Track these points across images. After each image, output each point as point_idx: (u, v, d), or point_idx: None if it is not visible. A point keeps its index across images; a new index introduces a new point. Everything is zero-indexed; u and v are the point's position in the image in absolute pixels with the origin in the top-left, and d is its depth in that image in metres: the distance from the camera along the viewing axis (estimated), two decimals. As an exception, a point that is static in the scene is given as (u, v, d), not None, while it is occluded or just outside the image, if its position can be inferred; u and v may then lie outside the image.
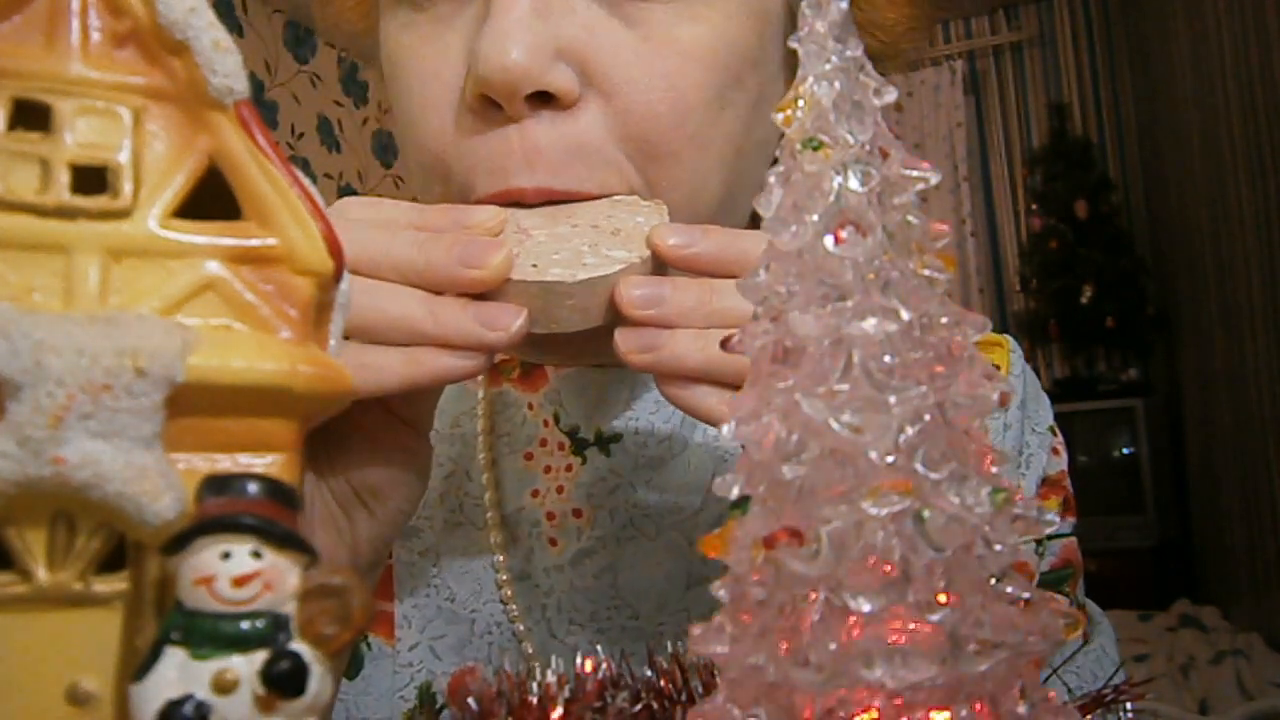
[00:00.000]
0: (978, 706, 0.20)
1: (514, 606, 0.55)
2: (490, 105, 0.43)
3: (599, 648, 0.34)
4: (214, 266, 0.21)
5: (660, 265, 0.41)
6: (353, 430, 0.40)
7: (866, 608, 0.19)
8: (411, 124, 0.46)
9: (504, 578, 0.55)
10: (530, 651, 0.54)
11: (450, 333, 0.37)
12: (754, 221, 0.61)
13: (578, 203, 0.43)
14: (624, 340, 0.39)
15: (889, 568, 0.20)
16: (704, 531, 0.54)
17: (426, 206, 0.41)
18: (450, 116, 0.44)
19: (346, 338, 0.24)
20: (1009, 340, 0.60)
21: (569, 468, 0.56)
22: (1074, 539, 0.56)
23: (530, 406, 0.57)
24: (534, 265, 0.39)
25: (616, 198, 0.43)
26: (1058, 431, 0.59)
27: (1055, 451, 0.58)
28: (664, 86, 0.43)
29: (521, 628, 0.54)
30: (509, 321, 0.38)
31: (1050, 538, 0.55)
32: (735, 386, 0.37)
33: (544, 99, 0.42)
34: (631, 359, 0.39)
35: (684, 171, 0.44)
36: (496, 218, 0.40)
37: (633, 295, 0.39)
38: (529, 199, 0.43)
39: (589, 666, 0.29)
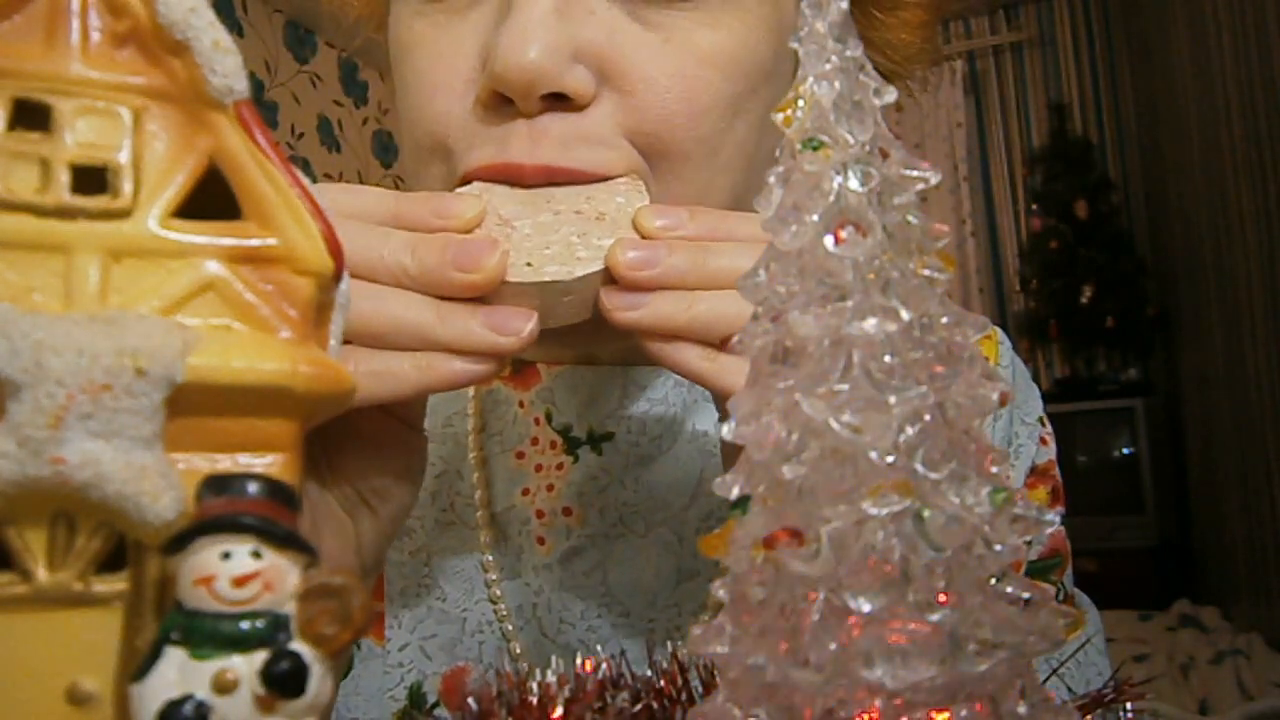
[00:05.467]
0: (978, 706, 0.20)
1: (503, 606, 0.55)
2: (502, 101, 0.43)
3: (594, 647, 0.34)
4: (214, 266, 0.21)
5: None
6: (351, 433, 0.40)
7: (866, 608, 0.19)
8: (417, 105, 0.46)
9: (494, 577, 0.55)
10: (520, 651, 0.54)
11: (461, 338, 0.37)
12: None
13: (555, 187, 0.42)
14: (609, 299, 0.39)
15: (889, 568, 0.20)
16: (693, 527, 0.55)
17: (405, 195, 0.40)
18: (457, 101, 0.45)
19: (348, 342, 0.24)
20: (998, 332, 0.61)
21: (560, 466, 0.56)
22: (1062, 528, 0.57)
23: (521, 405, 0.57)
24: (528, 264, 0.39)
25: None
26: (1046, 422, 0.60)
27: (1043, 441, 0.59)
28: (681, 88, 0.43)
29: (511, 627, 0.54)
30: (520, 325, 0.37)
31: None
32: (718, 345, 0.38)
33: (557, 99, 0.42)
34: (615, 316, 0.38)
35: (692, 173, 0.45)
36: (476, 207, 0.40)
37: (627, 257, 0.38)
38: (527, 175, 0.43)
39: (589, 666, 0.29)
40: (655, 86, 0.43)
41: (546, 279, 0.38)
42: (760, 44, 0.46)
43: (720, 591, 0.22)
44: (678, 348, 0.39)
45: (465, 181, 0.45)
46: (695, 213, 0.40)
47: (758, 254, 0.24)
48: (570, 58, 0.42)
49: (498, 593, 0.55)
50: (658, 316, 0.38)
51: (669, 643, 0.53)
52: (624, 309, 0.38)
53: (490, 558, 0.55)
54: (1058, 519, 0.57)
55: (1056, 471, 0.58)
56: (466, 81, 0.45)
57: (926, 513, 0.20)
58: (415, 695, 0.55)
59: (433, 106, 0.45)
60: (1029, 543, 0.55)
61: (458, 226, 0.39)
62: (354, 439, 0.40)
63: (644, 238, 0.39)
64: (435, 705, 0.54)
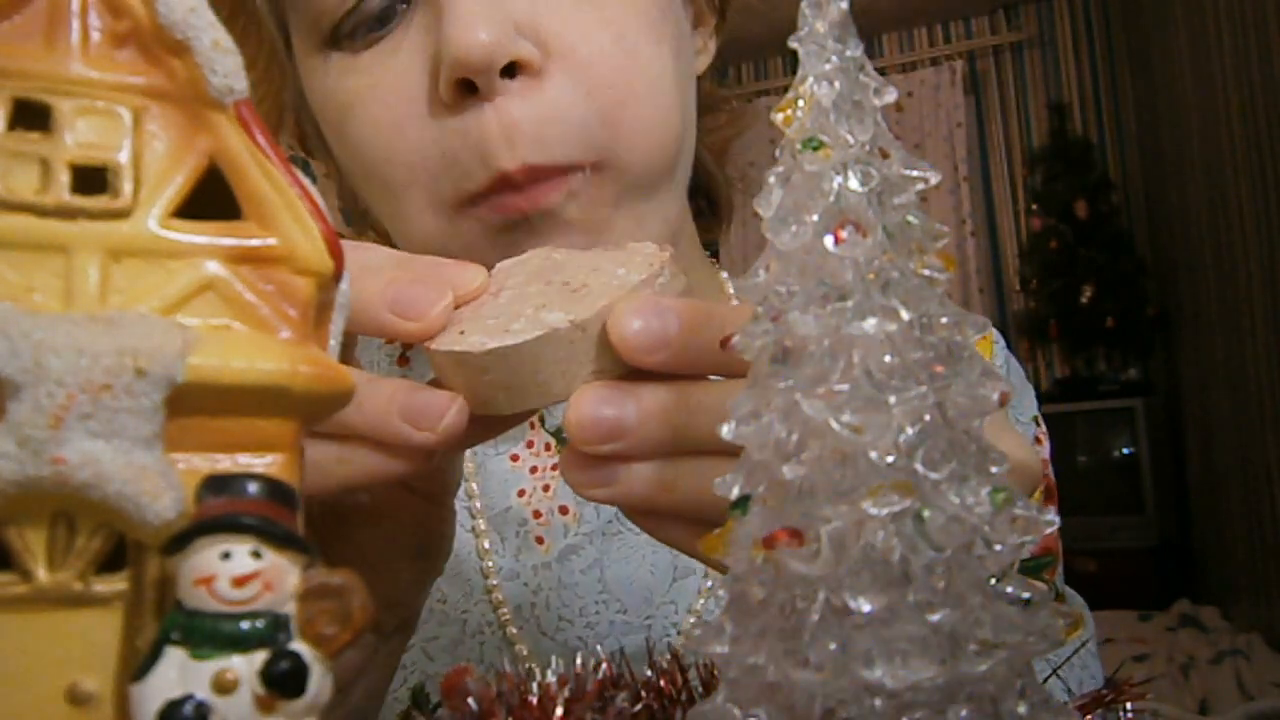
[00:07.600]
0: (978, 707, 0.20)
1: (504, 608, 0.55)
2: (464, 92, 0.44)
3: (593, 645, 0.33)
4: (214, 266, 0.21)
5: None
6: (353, 508, 0.35)
7: (866, 608, 0.19)
8: (383, 146, 0.48)
9: (493, 581, 0.56)
10: (524, 651, 0.55)
11: (376, 429, 0.32)
12: (705, 200, 0.62)
13: (573, 251, 0.36)
14: (570, 473, 0.31)
15: (889, 568, 0.20)
16: None
17: (408, 258, 0.35)
18: (426, 124, 0.46)
19: None
20: (992, 331, 0.62)
21: (555, 467, 0.57)
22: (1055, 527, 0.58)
23: None
24: (461, 332, 0.33)
25: (619, 244, 0.36)
26: (1041, 422, 0.61)
27: (1038, 441, 0.60)
28: (610, 32, 0.47)
29: (513, 629, 0.55)
30: (436, 417, 0.31)
31: None
32: (710, 524, 0.25)
33: (512, 72, 0.45)
34: (584, 494, 0.32)
35: (644, 108, 0.48)
36: (479, 280, 0.34)
37: (584, 422, 0.30)
38: (517, 178, 0.45)
39: (589, 666, 0.29)
40: (588, 38, 0.46)
41: (458, 349, 0.32)
42: None
43: (720, 591, 0.22)
44: (663, 526, 0.33)
45: (462, 202, 0.46)
46: (684, 315, 0.30)
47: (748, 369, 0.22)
48: (514, 31, 0.44)
49: (498, 596, 0.56)
50: (631, 498, 0.31)
51: (666, 639, 0.53)
52: (590, 486, 0.31)
53: (489, 561, 0.56)
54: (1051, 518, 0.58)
55: (1050, 471, 0.59)
56: (423, 100, 0.46)
57: (926, 513, 0.20)
58: (418, 696, 0.56)
59: (401, 140, 0.47)
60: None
61: (423, 391, 0.33)
62: (354, 512, 0.36)
63: (620, 353, 0.30)
64: (438, 706, 0.55)
